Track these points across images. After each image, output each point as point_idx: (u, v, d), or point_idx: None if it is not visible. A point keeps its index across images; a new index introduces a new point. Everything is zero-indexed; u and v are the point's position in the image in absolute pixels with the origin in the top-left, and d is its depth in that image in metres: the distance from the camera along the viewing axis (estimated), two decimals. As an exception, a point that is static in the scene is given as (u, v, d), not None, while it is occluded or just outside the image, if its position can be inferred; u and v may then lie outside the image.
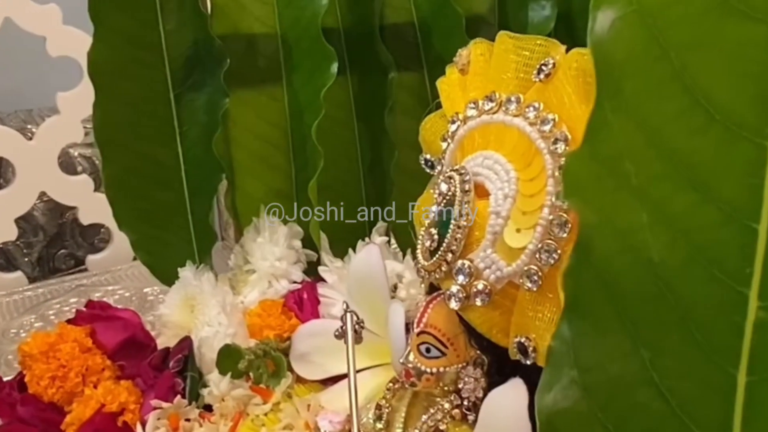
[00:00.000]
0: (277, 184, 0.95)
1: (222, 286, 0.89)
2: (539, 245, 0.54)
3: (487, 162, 0.58)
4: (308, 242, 0.92)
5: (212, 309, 0.84)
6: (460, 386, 0.59)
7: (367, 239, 0.88)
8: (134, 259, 1.07)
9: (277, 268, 0.89)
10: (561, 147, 0.54)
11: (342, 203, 0.94)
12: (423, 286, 0.67)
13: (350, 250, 0.90)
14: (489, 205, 0.57)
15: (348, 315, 0.69)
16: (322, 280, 0.88)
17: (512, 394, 0.54)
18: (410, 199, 0.94)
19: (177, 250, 0.94)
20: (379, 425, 0.62)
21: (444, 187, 0.59)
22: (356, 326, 0.69)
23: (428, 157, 0.71)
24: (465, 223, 0.57)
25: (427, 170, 0.72)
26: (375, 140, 0.95)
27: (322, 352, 0.78)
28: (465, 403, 0.59)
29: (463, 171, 0.58)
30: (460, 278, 0.57)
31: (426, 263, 0.59)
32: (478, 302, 0.56)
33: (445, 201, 0.59)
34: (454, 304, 0.57)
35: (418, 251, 0.61)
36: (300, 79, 0.90)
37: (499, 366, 0.58)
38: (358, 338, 0.70)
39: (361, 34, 0.91)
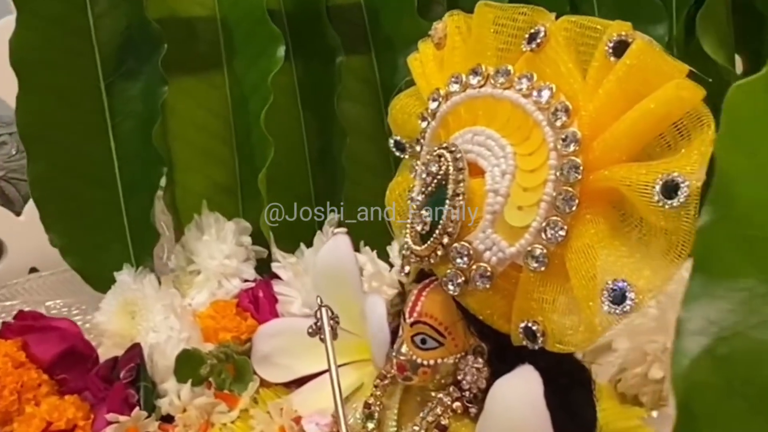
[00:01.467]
0: (220, 177, 0.90)
1: (166, 288, 0.83)
2: (543, 223, 0.51)
3: (477, 138, 0.55)
4: (256, 238, 0.87)
5: (158, 314, 0.78)
6: (459, 377, 0.55)
7: (330, 232, 0.83)
8: (31, 271, 0.99)
9: (227, 267, 0.83)
10: (562, 118, 0.51)
11: (289, 196, 0.89)
12: (408, 274, 0.63)
13: (302, 245, 0.86)
14: (485, 183, 0.53)
15: (323, 309, 0.65)
16: (276, 277, 0.83)
17: (525, 381, 0.50)
18: (364, 190, 0.91)
19: (112, 253, 0.87)
20: (371, 425, 0.58)
21: (434, 166, 0.55)
22: (331, 321, 0.65)
23: (398, 139, 0.67)
24: (461, 203, 0.53)
25: (397, 153, 0.68)
26: (323, 129, 0.90)
27: (287, 352, 0.73)
28: (466, 395, 0.55)
29: (453, 148, 0.55)
30: (459, 261, 0.53)
31: (418, 248, 0.55)
32: (479, 286, 0.52)
33: (435, 181, 0.55)
34: (452, 290, 0.53)
35: (407, 237, 0.56)
36: (243, 64, 0.85)
37: (500, 353, 0.55)
38: (333, 334, 0.66)
39: (306, 16, 0.86)
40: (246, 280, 0.83)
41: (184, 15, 0.83)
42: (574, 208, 0.50)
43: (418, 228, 0.55)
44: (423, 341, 0.55)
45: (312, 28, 0.86)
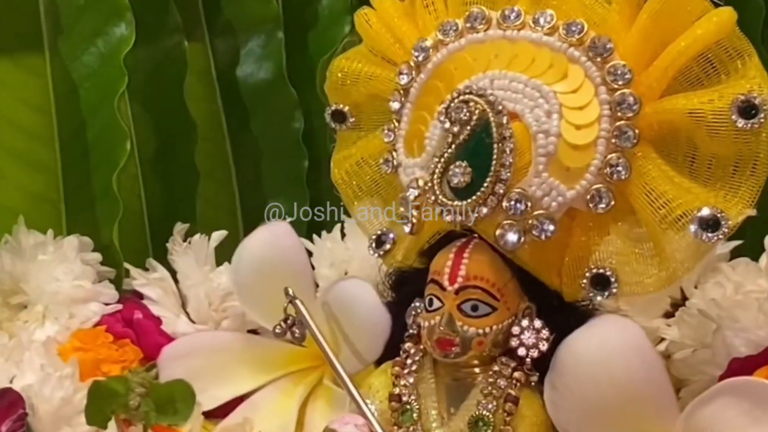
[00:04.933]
0: (37, 187, 0.72)
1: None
2: (604, 160, 0.48)
3: (500, 83, 0.50)
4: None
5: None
6: (514, 344, 0.49)
7: (195, 238, 0.70)
8: None
9: (81, 290, 0.67)
10: (603, 53, 0.49)
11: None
12: (387, 252, 0.55)
13: (151, 261, 0.72)
14: (524, 126, 0.49)
15: (298, 302, 0.54)
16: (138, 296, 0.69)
17: (621, 328, 0.46)
18: (218, 187, 0.80)
19: None
20: (408, 420, 0.49)
21: (462, 114, 0.49)
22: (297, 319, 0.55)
23: (340, 107, 0.60)
24: (512, 145, 0.48)
25: (334, 124, 0.61)
26: (162, 126, 0.77)
27: (203, 375, 0.60)
28: (527, 362, 0.49)
29: (483, 92, 0.49)
30: (517, 209, 0.48)
31: (462, 202, 0.48)
32: (542, 235, 0.48)
33: (468, 129, 0.49)
34: (512, 242, 0.48)
35: (434, 195, 0.49)
36: (72, 45, 0.70)
37: (549, 314, 0.50)
38: (300, 336, 0.56)
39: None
40: (107, 303, 0.68)
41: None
42: (634, 143, 0.48)
43: (456, 181, 0.49)
44: (474, 308, 0.49)
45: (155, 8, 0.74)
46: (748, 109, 0.46)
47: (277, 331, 0.55)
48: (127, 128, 0.68)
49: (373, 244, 0.57)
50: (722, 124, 0.46)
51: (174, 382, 0.56)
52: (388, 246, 0.56)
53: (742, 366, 0.51)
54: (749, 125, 0.45)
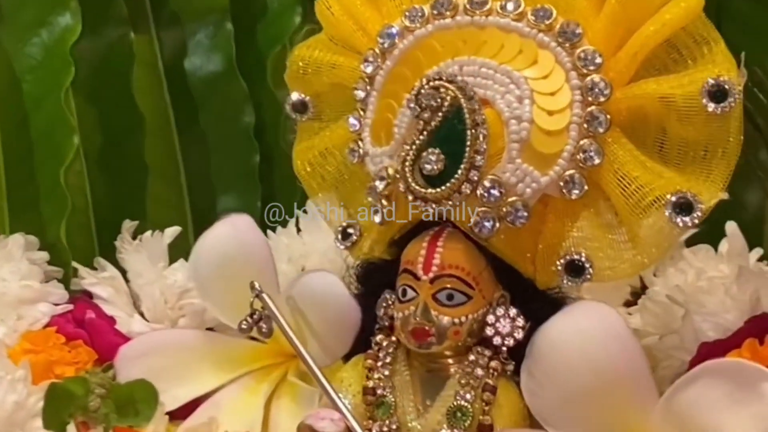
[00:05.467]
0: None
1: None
2: (576, 146, 0.48)
3: (469, 69, 0.50)
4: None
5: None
6: (489, 333, 0.48)
7: (146, 235, 0.68)
8: None
9: (29, 290, 0.64)
10: (572, 39, 0.48)
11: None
12: (354, 244, 0.54)
13: (99, 259, 0.70)
14: (495, 112, 0.48)
15: (265, 296, 0.53)
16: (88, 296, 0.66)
17: (597, 314, 0.46)
18: (166, 183, 0.78)
19: None
20: (386, 413, 0.48)
21: (432, 101, 0.48)
22: (266, 311, 0.53)
23: (302, 97, 0.58)
24: (485, 132, 0.47)
25: (294, 115, 0.59)
26: (110, 120, 0.75)
27: (163, 375, 0.58)
28: (503, 350, 0.48)
29: (453, 78, 0.49)
30: (492, 196, 0.47)
31: (436, 190, 0.47)
32: (517, 223, 0.47)
33: (439, 116, 0.48)
34: (487, 230, 0.47)
35: (405, 183, 0.48)
36: (13, 36, 0.67)
37: (522, 302, 0.49)
38: (267, 331, 0.54)
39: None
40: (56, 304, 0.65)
41: None
42: (606, 128, 0.48)
43: (428, 169, 0.48)
44: (450, 297, 0.48)
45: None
46: (718, 94, 0.46)
47: (243, 326, 0.53)
48: (74, 122, 0.65)
49: (339, 236, 0.56)
50: (692, 108, 0.46)
51: (135, 382, 0.54)
52: (354, 238, 0.55)
53: (711, 350, 0.51)
54: (719, 109, 0.46)
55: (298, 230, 0.72)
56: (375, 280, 0.53)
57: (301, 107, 0.58)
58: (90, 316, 0.63)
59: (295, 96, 0.58)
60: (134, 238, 0.71)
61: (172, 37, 0.77)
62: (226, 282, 0.57)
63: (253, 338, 0.56)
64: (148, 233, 0.69)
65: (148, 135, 0.77)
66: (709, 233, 0.63)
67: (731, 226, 0.61)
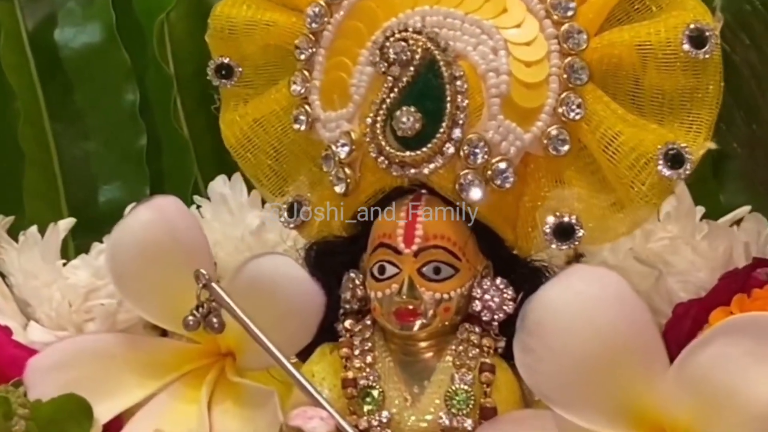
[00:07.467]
0: None
1: None
2: (558, 99, 0.44)
3: (432, 20, 0.45)
4: None
5: None
6: (476, 308, 0.44)
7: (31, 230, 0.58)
8: None
9: None
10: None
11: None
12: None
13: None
14: (473, 64, 0.44)
15: (214, 285, 0.46)
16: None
17: (597, 276, 0.42)
18: (38, 172, 0.68)
19: None
20: (373, 405, 0.43)
21: (402, 55, 0.43)
22: (214, 303, 0.46)
23: (226, 60, 0.52)
24: (465, 86, 0.43)
25: (217, 81, 0.53)
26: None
27: (81, 388, 0.50)
28: (494, 326, 0.44)
29: (420, 28, 0.44)
30: (477, 156, 0.43)
31: (414, 153, 0.42)
32: (505, 185, 0.43)
33: (410, 71, 0.43)
34: (476, 195, 0.43)
35: (377, 146, 0.43)
36: None
37: (504, 273, 0.45)
38: (219, 325, 0.47)
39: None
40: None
41: None
42: (586, 80, 0.45)
43: (405, 128, 0.43)
44: (437, 270, 0.43)
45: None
46: (698, 38, 0.44)
47: (189, 323, 0.46)
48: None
49: (285, 215, 0.50)
50: (671, 55, 0.44)
51: (60, 399, 0.46)
52: (303, 215, 0.49)
53: (687, 310, 0.50)
54: (701, 54, 0.44)
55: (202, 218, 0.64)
56: (332, 260, 0.48)
57: (226, 72, 0.52)
58: (-27, 326, 0.54)
59: (219, 59, 0.52)
60: (11, 235, 0.61)
61: (37, 5, 0.68)
62: (154, 275, 0.50)
63: (196, 336, 0.49)
64: (33, 228, 0.60)
65: (22, 117, 0.67)
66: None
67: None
